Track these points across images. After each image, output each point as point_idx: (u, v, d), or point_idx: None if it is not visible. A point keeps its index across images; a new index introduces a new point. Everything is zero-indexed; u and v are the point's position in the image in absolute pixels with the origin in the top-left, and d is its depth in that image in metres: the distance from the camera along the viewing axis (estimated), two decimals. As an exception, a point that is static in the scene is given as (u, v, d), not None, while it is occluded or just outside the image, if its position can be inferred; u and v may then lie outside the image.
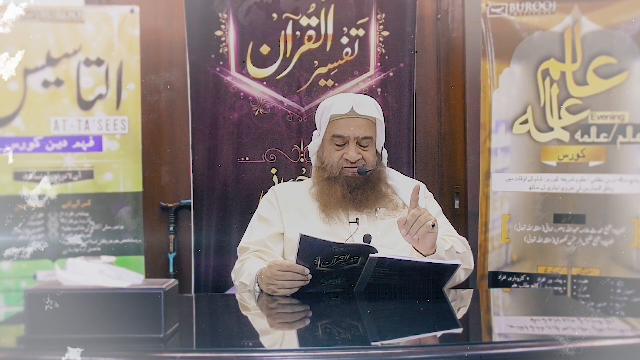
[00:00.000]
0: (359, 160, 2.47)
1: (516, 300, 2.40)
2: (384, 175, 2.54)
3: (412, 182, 2.65)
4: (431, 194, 2.66)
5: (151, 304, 1.56)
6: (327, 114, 2.51)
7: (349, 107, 2.49)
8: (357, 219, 2.45)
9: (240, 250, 2.49)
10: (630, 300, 2.93)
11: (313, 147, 2.60)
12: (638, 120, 2.95)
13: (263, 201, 2.61)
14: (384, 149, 2.60)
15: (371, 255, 2.09)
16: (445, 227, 2.53)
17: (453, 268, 2.15)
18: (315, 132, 2.62)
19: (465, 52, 3.41)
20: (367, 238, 2.32)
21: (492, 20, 3.11)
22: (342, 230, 2.43)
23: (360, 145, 2.49)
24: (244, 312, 2.18)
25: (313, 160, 2.61)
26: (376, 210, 2.48)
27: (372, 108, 2.53)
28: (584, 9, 3.01)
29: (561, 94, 3.04)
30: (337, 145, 2.49)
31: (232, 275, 2.45)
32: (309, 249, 2.07)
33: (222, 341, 1.77)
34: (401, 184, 2.58)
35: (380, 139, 2.55)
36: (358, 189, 2.46)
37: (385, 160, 2.60)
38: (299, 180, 3.06)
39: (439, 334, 1.84)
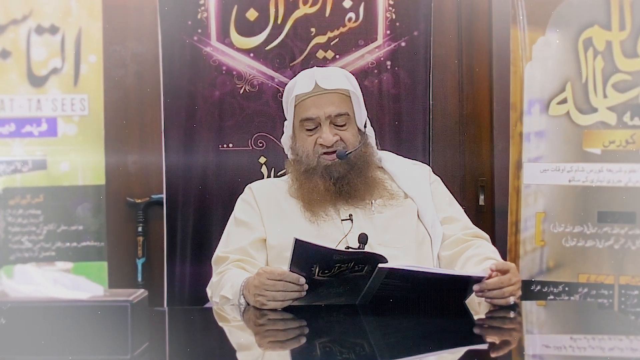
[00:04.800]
0: (336, 142, 2.47)
1: (553, 315, 2.40)
2: (373, 158, 2.54)
3: (413, 165, 2.64)
4: (438, 177, 2.65)
5: (116, 319, 1.56)
6: (291, 96, 2.52)
7: (312, 83, 2.49)
8: (350, 215, 2.45)
9: (217, 260, 2.47)
10: (688, 315, 2.94)
11: (286, 140, 2.61)
12: (699, 100, 2.96)
13: (239, 202, 2.60)
14: (370, 126, 2.60)
15: (380, 265, 2.08)
16: (463, 222, 2.53)
17: (478, 280, 2.15)
18: (286, 123, 2.62)
19: (492, 18, 3.41)
20: (363, 238, 2.30)
21: (524, -21, 3.12)
22: (334, 229, 2.43)
23: (336, 126, 2.49)
24: (226, 329, 2.18)
25: (289, 154, 2.61)
26: (372, 203, 2.48)
27: (341, 79, 2.53)
28: (634, -35, 3.01)
29: (607, 68, 3.04)
30: (308, 130, 2.50)
31: (208, 291, 2.44)
32: (305, 255, 2.06)
33: (201, 363, 1.77)
34: (399, 169, 2.58)
35: (360, 114, 2.55)
36: (342, 179, 2.46)
37: (372, 140, 2.60)
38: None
39: (460, 353, 1.84)
